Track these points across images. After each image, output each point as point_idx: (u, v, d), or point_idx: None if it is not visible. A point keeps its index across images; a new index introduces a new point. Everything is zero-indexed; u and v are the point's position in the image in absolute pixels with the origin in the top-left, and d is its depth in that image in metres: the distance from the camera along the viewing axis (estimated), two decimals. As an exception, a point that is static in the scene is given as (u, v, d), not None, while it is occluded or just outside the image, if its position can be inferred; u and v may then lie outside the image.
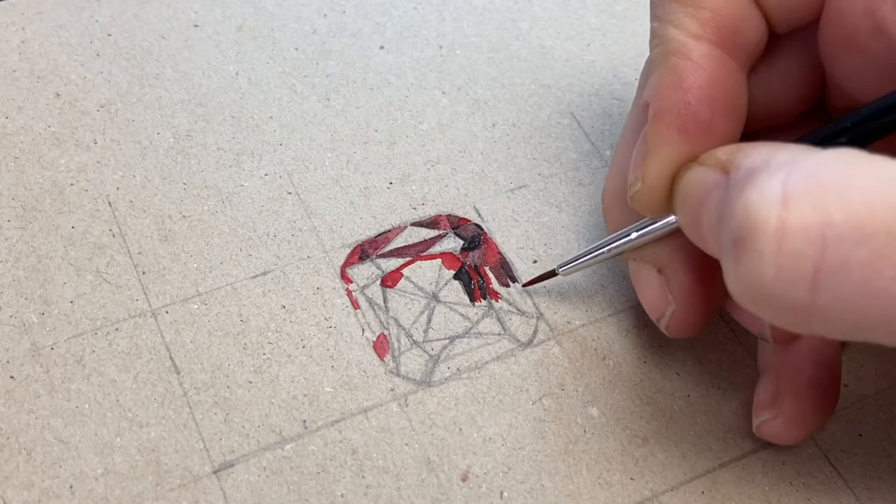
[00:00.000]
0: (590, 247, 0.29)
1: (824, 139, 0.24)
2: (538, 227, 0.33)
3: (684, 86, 0.24)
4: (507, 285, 0.31)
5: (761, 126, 0.28)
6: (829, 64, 0.26)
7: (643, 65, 0.28)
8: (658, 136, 0.25)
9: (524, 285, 0.31)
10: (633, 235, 0.27)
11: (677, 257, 0.27)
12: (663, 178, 0.25)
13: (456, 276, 0.31)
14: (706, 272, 0.27)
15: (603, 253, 0.28)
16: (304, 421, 0.28)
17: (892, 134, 0.23)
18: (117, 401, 0.28)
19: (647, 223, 0.27)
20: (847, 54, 0.25)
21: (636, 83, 0.31)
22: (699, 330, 0.28)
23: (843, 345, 0.30)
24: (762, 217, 0.19)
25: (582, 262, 0.29)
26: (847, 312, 0.19)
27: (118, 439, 0.27)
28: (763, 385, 0.28)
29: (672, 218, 0.26)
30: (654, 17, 0.26)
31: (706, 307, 0.27)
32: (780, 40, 0.27)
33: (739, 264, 0.20)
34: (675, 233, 0.26)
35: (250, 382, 0.28)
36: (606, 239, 0.29)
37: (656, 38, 0.26)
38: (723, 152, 0.23)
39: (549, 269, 0.30)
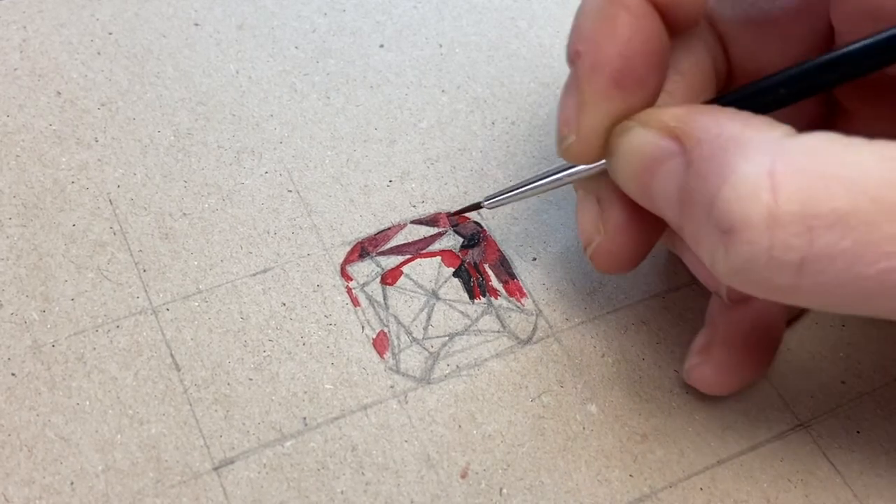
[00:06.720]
0: (516, 182, 0.29)
1: (762, 90, 0.24)
2: (537, 224, 0.33)
3: (622, 38, 0.24)
4: (507, 282, 0.31)
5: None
6: (843, 38, 0.26)
7: None
8: (594, 90, 0.24)
9: (450, 215, 0.31)
10: (561, 175, 0.27)
11: (616, 192, 0.26)
12: (599, 131, 0.25)
13: (455, 274, 0.31)
14: (641, 211, 0.26)
15: (529, 189, 0.29)
16: (304, 418, 0.28)
17: (824, 90, 0.24)
18: (118, 398, 0.28)
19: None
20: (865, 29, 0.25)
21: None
22: (624, 268, 0.27)
23: (794, 319, 0.31)
24: (752, 209, 0.20)
25: (507, 196, 0.29)
26: (829, 293, 0.20)
27: (119, 436, 0.27)
28: (701, 334, 0.29)
29: (602, 162, 0.26)
30: None
31: (634, 244, 0.27)
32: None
33: (730, 253, 0.20)
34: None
35: (250, 379, 0.29)
36: (533, 176, 0.29)
37: None
38: (670, 117, 0.23)
39: (476, 201, 0.31)
